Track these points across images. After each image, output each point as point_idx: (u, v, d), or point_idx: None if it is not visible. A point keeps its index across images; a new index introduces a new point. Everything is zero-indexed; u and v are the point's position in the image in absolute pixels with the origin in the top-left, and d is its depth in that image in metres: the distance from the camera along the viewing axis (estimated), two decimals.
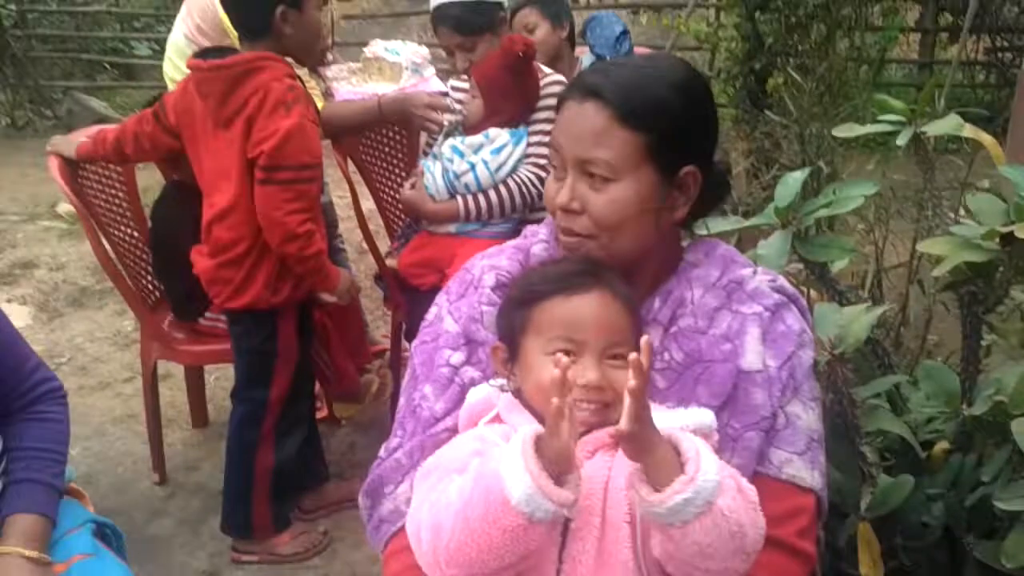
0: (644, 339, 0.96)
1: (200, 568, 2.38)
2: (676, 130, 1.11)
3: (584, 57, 2.91)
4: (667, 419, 1.04)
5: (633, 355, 0.91)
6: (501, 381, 1.13)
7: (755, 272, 1.19)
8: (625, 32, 2.84)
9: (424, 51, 2.75)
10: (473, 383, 1.17)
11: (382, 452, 1.21)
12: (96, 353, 3.51)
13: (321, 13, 2.17)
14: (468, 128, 2.40)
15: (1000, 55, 5.93)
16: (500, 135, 2.37)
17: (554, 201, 1.15)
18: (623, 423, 0.91)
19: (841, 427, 1.34)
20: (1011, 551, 1.20)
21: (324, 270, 2.18)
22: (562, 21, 2.80)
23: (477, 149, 2.37)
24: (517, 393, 1.11)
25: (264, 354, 2.23)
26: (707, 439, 1.05)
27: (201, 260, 2.20)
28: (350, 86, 2.64)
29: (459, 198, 2.40)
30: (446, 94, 2.59)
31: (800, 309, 1.19)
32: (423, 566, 1.03)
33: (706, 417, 1.07)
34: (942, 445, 1.49)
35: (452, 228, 2.44)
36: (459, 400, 1.16)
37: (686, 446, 0.96)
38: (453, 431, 1.14)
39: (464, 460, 1.02)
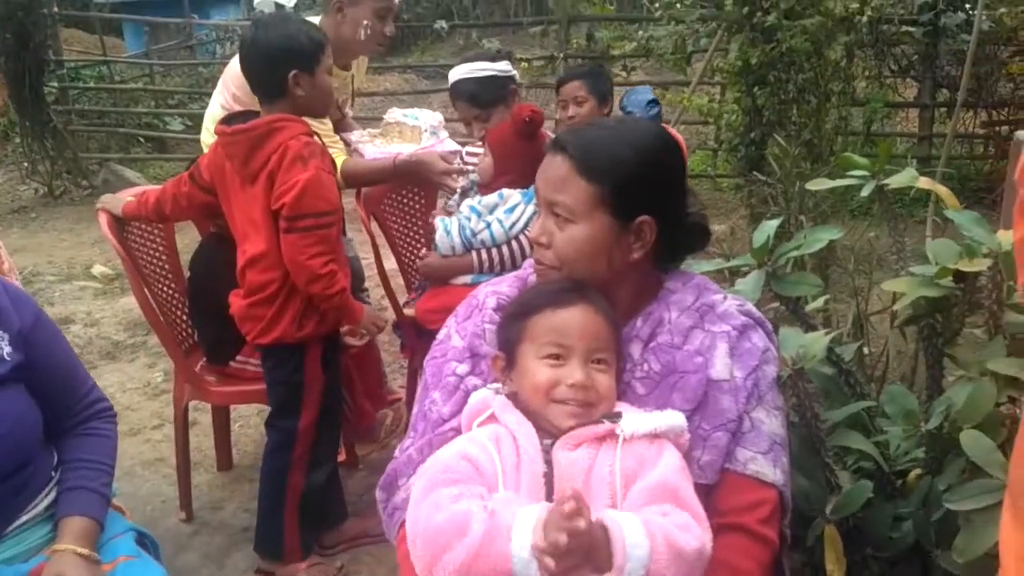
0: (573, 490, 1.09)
1: None
2: (629, 184, 1.29)
3: None
4: (645, 420, 1.21)
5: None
6: (498, 385, 1.31)
7: (725, 298, 1.37)
8: (655, 101, 3.11)
9: (439, 117, 2.97)
10: (476, 390, 1.34)
11: (397, 452, 1.39)
12: (127, 402, 3.69)
13: (333, 76, 2.35)
14: (481, 186, 2.63)
15: (997, 128, 6.16)
16: (513, 195, 2.58)
17: (531, 235, 1.37)
18: None
19: (808, 439, 1.49)
20: (961, 547, 1.33)
21: (348, 306, 2.36)
22: (607, 99, 3.10)
23: (492, 209, 2.59)
24: (512, 396, 1.28)
25: (293, 385, 2.40)
26: (679, 438, 1.23)
27: (236, 301, 2.39)
28: (375, 147, 2.84)
29: (473, 253, 2.61)
30: (459, 154, 2.83)
31: (766, 331, 1.36)
32: (416, 567, 1.17)
33: (677, 419, 1.24)
34: (916, 472, 1.64)
35: (468, 279, 2.63)
36: (464, 404, 1.33)
37: (614, 535, 1.08)
38: (458, 431, 1.32)
39: (453, 464, 1.19)
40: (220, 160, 2.35)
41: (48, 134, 7.17)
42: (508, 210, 2.58)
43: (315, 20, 2.66)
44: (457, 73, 2.72)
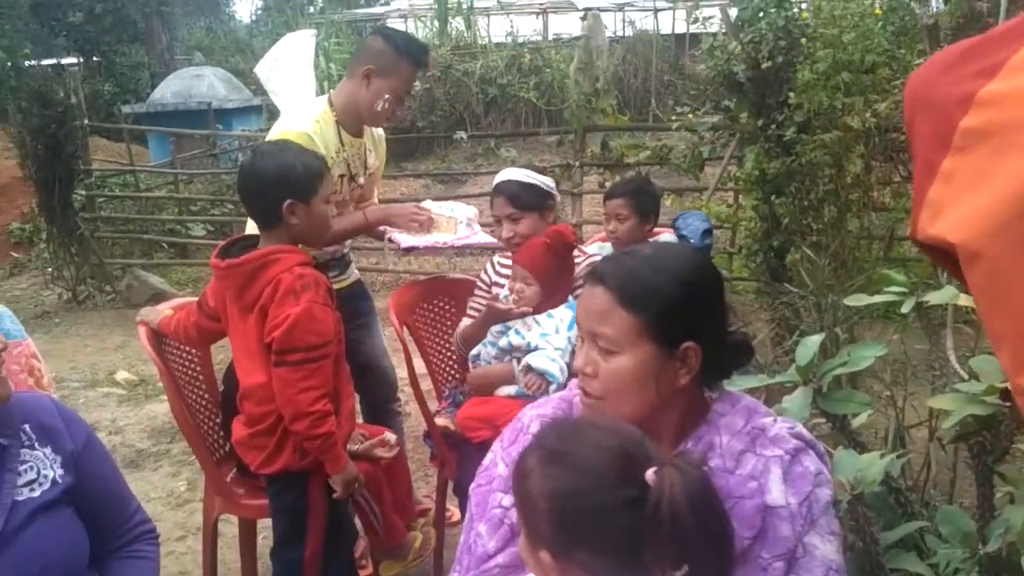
0: None
1: None
2: (671, 312, 1.32)
3: (662, 238, 3.23)
4: None
5: None
6: None
7: (775, 420, 1.38)
8: (710, 231, 3.18)
9: (474, 210, 3.01)
10: None
11: None
12: (151, 512, 3.56)
13: (329, 206, 2.38)
14: (535, 310, 2.62)
15: None
16: (563, 312, 2.60)
17: (575, 365, 1.38)
18: None
19: (867, 565, 1.48)
20: None
21: (332, 452, 2.28)
22: (650, 217, 3.18)
23: (548, 333, 2.58)
24: None
25: (297, 512, 2.36)
26: None
27: (238, 429, 2.38)
28: (410, 236, 2.87)
29: (514, 362, 2.60)
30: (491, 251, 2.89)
31: (817, 453, 1.37)
32: None
33: None
34: None
35: (512, 391, 2.60)
36: (510, 538, 1.32)
37: None
38: (504, 568, 1.31)
39: None
40: (221, 289, 2.38)
41: (74, 240, 7.30)
42: (570, 326, 2.56)
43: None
44: (505, 174, 2.81)
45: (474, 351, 2.71)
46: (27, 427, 1.59)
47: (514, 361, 2.61)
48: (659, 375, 1.33)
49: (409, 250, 2.94)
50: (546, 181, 2.78)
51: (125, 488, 1.76)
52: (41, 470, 1.57)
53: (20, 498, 1.53)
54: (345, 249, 3.10)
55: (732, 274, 6.27)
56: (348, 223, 2.89)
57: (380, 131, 3.12)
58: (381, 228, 2.97)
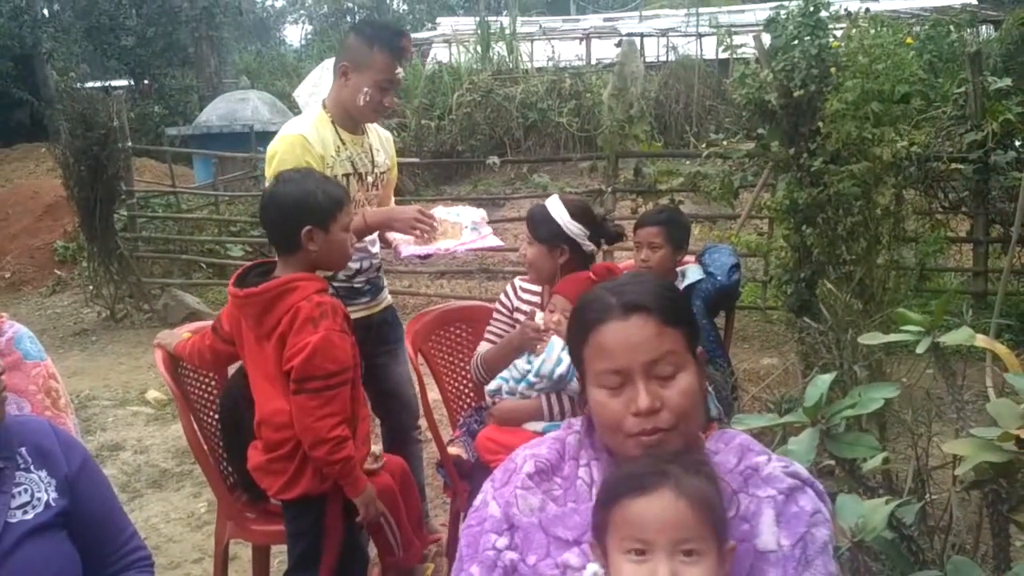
0: None
1: None
2: (693, 323, 1.36)
3: (689, 269, 3.19)
4: None
5: None
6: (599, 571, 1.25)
7: (769, 459, 1.33)
8: (738, 265, 3.14)
9: (482, 213, 2.98)
10: (513, 566, 1.29)
11: None
12: (170, 533, 3.67)
13: (348, 234, 2.38)
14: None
15: None
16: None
17: (627, 412, 1.27)
18: None
19: None
20: None
21: (351, 476, 2.30)
22: (682, 247, 3.15)
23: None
24: None
25: (313, 536, 2.35)
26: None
27: (255, 455, 2.38)
28: (415, 245, 2.84)
29: (543, 397, 2.58)
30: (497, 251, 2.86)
31: (816, 492, 1.31)
32: None
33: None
34: None
35: (539, 427, 2.56)
36: None
37: None
38: None
39: None
40: (237, 313, 2.38)
41: (114, 259, 7.45)
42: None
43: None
44: (550, 200, 2.80)
45: (493, 385, 2.68)
46: (23, 450, 1.60)
47: (542, 397, 2.57)
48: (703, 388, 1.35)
49: (424, 257, 2.91)
50: (572, 225, 2.72)
51: (121, 514, 1.76)
52: (35, 493, 1.58)
53: (13, 520, 1.54)
54: (377, 272, 3.09)
55: (766, 303, 6.18)
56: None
57: (386, 132, 3.13)
58: (388, 236, 2.95)
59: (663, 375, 1.28)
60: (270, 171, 2.73)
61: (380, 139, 3.06)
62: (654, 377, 1.28)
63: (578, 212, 2.75)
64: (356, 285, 2.98)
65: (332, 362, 2.22)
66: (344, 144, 2.86)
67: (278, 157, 2.73)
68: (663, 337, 1.28)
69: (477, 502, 1.42)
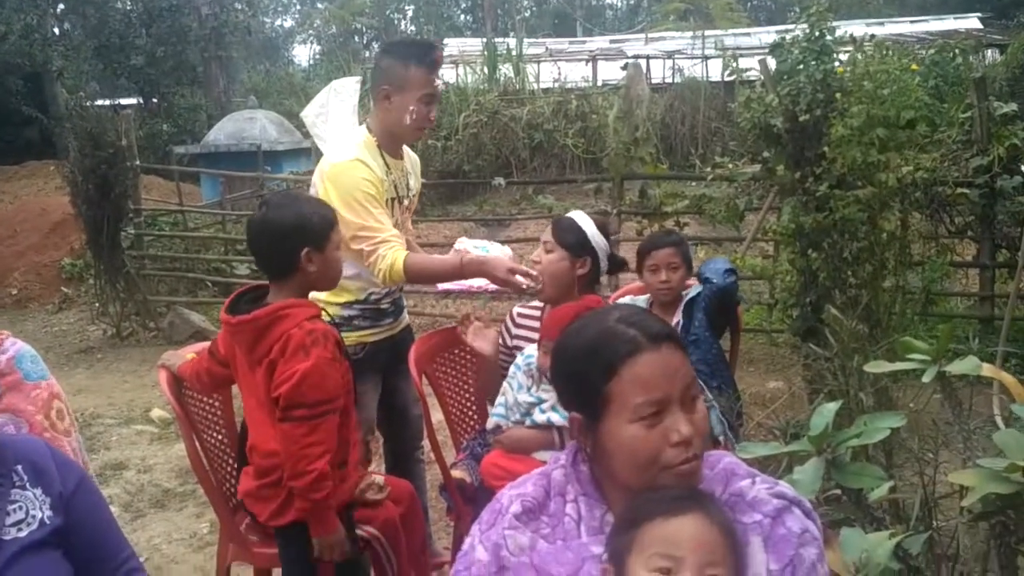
0: None
1: None
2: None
3: (692, 290, 3.20)
4: None
5: None
6: None
7: (754, 481, 1.32)
8: (732, 269, 3.15)
9: (508, 251, 2.98)
10: None
11: None
12: (172, 554, 3.65)
13: (340, 252, 2.39)
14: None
15: None
16: None
17: (665, 443, 1.26)
18: None
19: None
20: None
21: (322, 515, 2.26)
22: (691, 267, 3.17)
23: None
24: None
25: (304, 563, 2.33)
26: None
27: (246, 480, 2.37)
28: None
29: (555, 430, 2.56)
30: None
31: (803, 510, 1.30)
32: None
33: None
34: None
35: (547, 456, 2.51)
36: None
37: None
38: None
39: None
40: (230, 340, 2.38)
41: (120, 277, 7.47)
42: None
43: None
44: (575, 213, 2.83)
45: (491, 423, 2.67)
46: (19, 467, 1.60)
47: (554, 432, 2.55)
48: None
49: (449, 292, 2.92)
50: (599, 238, 2.75)
51: (118, 534, 1.75)
52: (30, 510, 1.58)
53: (7, 537, 1.54)
54: (400, 292, 3.09)
55: (771, 326, 6.16)
56: (440, 266, 2.83)
57: (414, 155, 3.13)
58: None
59: (690, 401, 1.29)
60: (339, 200, 2.69)
61: (412, 161, 3.09)
62: (686, 404, 1.29)
63: (601, 228, 2.80)
64: (383, 307, 2.99)
65: (320, 391, 2.20)
66: (390, 169, 2.88)
67: (350, 185, 2.72)
68: (687, 363, 1.30)
69: (465, 546, 1.40)
